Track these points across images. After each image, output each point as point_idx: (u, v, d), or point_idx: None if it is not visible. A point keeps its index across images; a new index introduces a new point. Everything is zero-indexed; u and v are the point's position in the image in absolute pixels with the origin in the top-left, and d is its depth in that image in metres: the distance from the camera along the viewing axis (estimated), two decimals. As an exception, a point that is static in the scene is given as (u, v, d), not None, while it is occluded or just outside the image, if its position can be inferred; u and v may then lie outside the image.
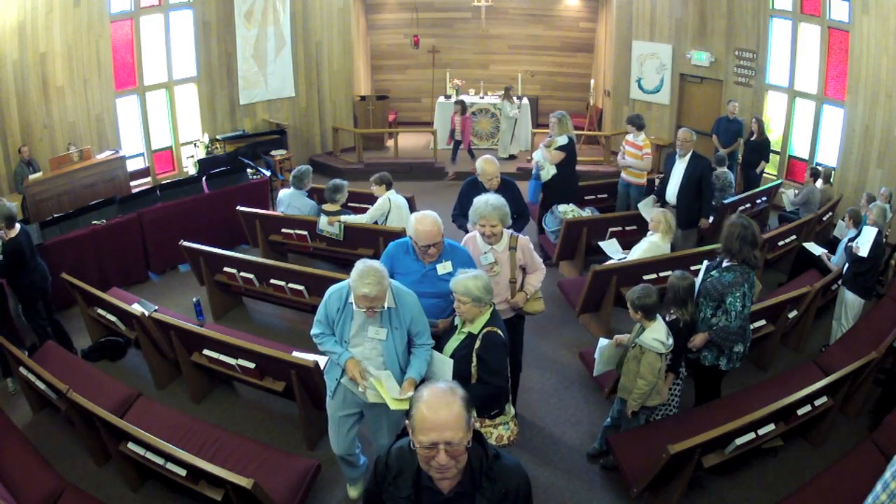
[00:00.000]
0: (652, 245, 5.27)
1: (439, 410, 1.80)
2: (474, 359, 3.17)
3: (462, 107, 10.32)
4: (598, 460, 4.20)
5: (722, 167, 7.60)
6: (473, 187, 4.86)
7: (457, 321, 3.33)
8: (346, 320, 3.23)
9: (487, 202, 3.79)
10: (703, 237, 6.79)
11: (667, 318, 3.85)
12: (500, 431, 3.33)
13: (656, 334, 3.69)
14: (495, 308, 3.32)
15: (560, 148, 6.45)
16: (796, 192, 7.67)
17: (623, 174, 7.13)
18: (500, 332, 3.17)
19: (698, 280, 4.01)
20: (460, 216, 4.92)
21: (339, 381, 3.35)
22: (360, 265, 3.02)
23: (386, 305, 3.11)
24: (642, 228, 6.16)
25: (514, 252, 3.90)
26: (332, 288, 3.27)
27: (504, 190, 4.81)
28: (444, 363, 3.26)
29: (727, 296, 3.77)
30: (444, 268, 3.64)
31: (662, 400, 3.89)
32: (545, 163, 6.54)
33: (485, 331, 3.17)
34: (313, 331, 3.34)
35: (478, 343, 3.16)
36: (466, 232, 4.92)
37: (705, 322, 3.89)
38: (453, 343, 3.30)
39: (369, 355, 3.25)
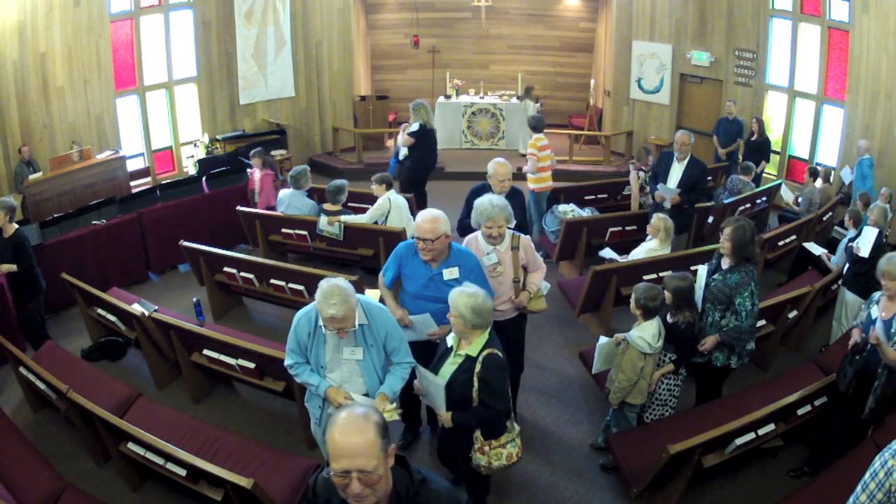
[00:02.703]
0: (650, 252, 5.30)
1: (350, 436, 1.71)
2: (475, 382, 3.07)
3: (262, 159, 7.19)
4: (601, 454, 4.21)
5: (748, 176, 7.49)
6: (482, 192, 4.68)
7: (450, 341, 3.22)
8: (318, 345, 3.09)
9: (492, 203, 3.75)
10: (704, 238, 6.80)
11: (669, 321, 3.85)
12: (508, 450, 3.25)
13: (644, 333, 3.70)
14: (493, 329, 3.21)
15: (411, 134, 6.98)
16: (798, 197, 7.66)
17: None
18: (499, 353, 3.08)
19: (700, 285, 4.01)
20: (466, 218, 4.76)
21: (321, 408, 3.25)
22: (324, 285, 2.87)
23: (357, 323, 2.99)
24: (642, 229, 6.17)
25: (516, 252, 3.88)
26: (300, 313, 3.12)
27: (511, 197, 4.69)
28: (436, 387, 3.12)
29: (735, 297, 3.77)
30: (450, 273, 3.58)
31: (643, 400, 3.88)
32: (401, 145, 7.17)
33: (485, 353, 3.06)
34: (287, 361, 3.20)
35: (478, 367, 3.06)
36: None
37: (714, 326, 3.88)
38: (450, 367, 3.16)
39: (348, 378, 3.13)
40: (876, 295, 3.70)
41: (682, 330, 3.81)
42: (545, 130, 7.10)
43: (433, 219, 3.47)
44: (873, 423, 3.68)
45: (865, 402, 3.59)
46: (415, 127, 7.02)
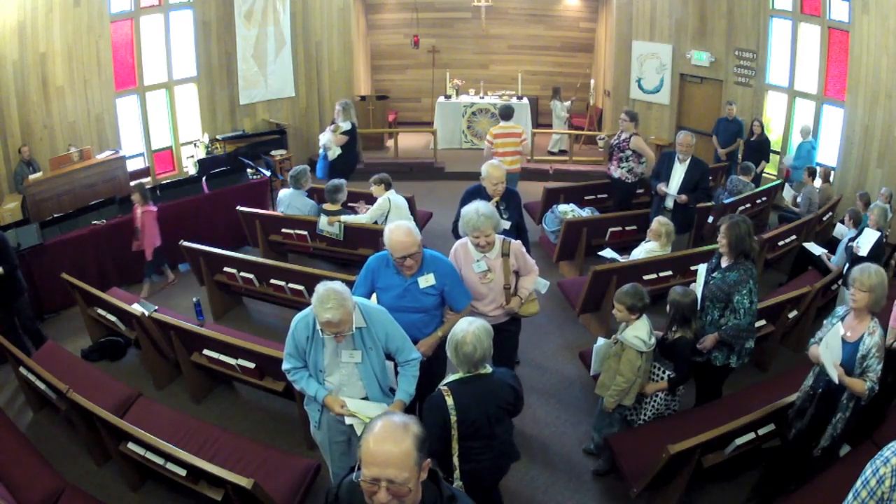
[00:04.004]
0: (650, 252, 5.33)
1: (385, 445, 1.69)
2: None
3: (141, 194, 6.19)
4: (594, 458, 4.20)
5: (748, 176, 7.52)
6: (476, 194, 4.68)
7: None
8: (317, 349, 3.06)
9: (478, 212, 3.64)
10: (704, 238, 6.80)
11: (669, 339, 3.82)
12: None
13: (638, 332, 3.68)
14: (483, 378, 2.90)
15: (344, 132, 7.39)
16: (797, 197, 7.67)
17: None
18: (447, 395, 2.82)
19: (700, 285, 4.01)
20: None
21: (320, 412, 3.21)
22: (320, 288, 2.83)
23: (355, 326, 2.95)
24: (642, 229, 6.18)
25: (507, 258, 3.81)
26: (298, 317, 3.09)
27: (508, 199, 4.70)
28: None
29: (734, 295, 3.77)
30: (426, 280, 3.51)
31: (646, 391, 3.84)
32: (332, 144, 7.41)
33: (440, 387, 2.91)
34: (285, 366, 3.16)
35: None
36: None
37: (714, 324, 3.89)
38: None
39: (347, 381, 3.10)
40: (840, 310, 3.43)
41: (680, 348, 3.77)
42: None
43: (409, 231, 3.38)
44: (826, 458, 3.45)
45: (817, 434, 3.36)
46: (347, 126, 7.39)
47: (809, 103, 8.71)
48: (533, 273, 3.98)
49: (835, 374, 3.13)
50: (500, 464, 3.12)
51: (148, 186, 6.72)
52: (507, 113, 7.39)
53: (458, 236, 4.79)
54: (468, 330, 2.83)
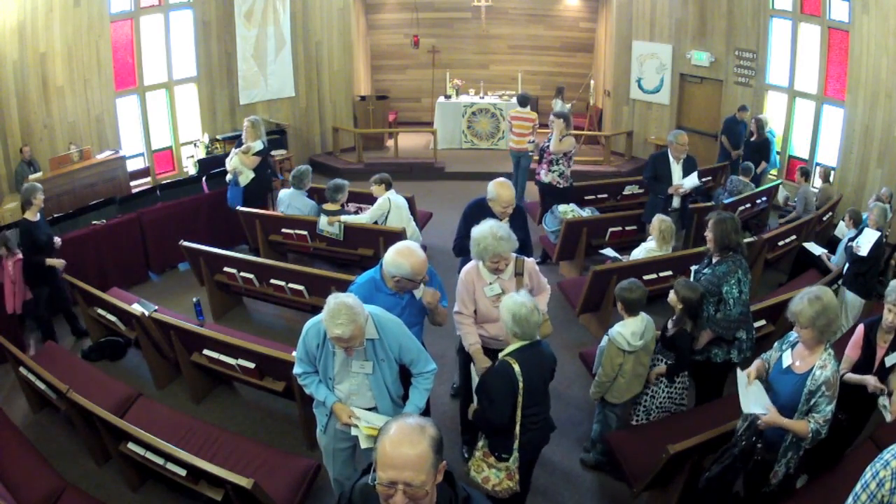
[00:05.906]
0: (650, 252, 5.35)
1: (402, 447, 1.68)
2: None
3: (6, 245, 5.16)
4: (593, 455, 4.20)
5: (748, 176, 7.54)
6: (480, 210, 4.38)
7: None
8: (327, 357, 3.02)
9: (495, 235, 3.42)
10: (704, 238, 6.80)
11: (670, 329, 3.82)
12: (491, 473, 3.13)
13: (624, 329, 3.70)
14: (536, 345, 3.09)
15: (257, 153, 6.67)
16: (787, 199, 7.70)
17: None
18: (514, 364, 2.97)
19: None
20: (466, 238, 4.37)
21: (328, 416, 3.18)
22: (331, 301, 2.74)
23: (367, 338, 2.89)
24: (642, 229, 6.19)
25: (520, 278, 3.69)
26: (309, 323, 3.04)
27: (513, 215, 4.38)
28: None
29: (723, 286, 3.82)
30: (419, 290, 3.41)
31: (621, 400, 3.86)
32: (243, 168, 6.66)
33: (503, 357, 3.06)
34: (296, 370, 3.14)
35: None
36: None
37: (710, 321, 3.91)
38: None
39: (357, 391, 3.06)
40: (792, 335, 3.07)
41: (680, 339, 3.78)
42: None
43: (420, 250, 3.28)
44: (784, 491, 3.24)
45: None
46: (259, 146, 6.69)
47: (809, 103, 8.71)
48: (545, 292, 3.86)
49: (757, 410, 2.87)
50: (546, 432, 3.27)
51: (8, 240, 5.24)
52: (522, 100, 8.39)
53: (460, 254, 4.54)
54: (527, 303, 3.01)
